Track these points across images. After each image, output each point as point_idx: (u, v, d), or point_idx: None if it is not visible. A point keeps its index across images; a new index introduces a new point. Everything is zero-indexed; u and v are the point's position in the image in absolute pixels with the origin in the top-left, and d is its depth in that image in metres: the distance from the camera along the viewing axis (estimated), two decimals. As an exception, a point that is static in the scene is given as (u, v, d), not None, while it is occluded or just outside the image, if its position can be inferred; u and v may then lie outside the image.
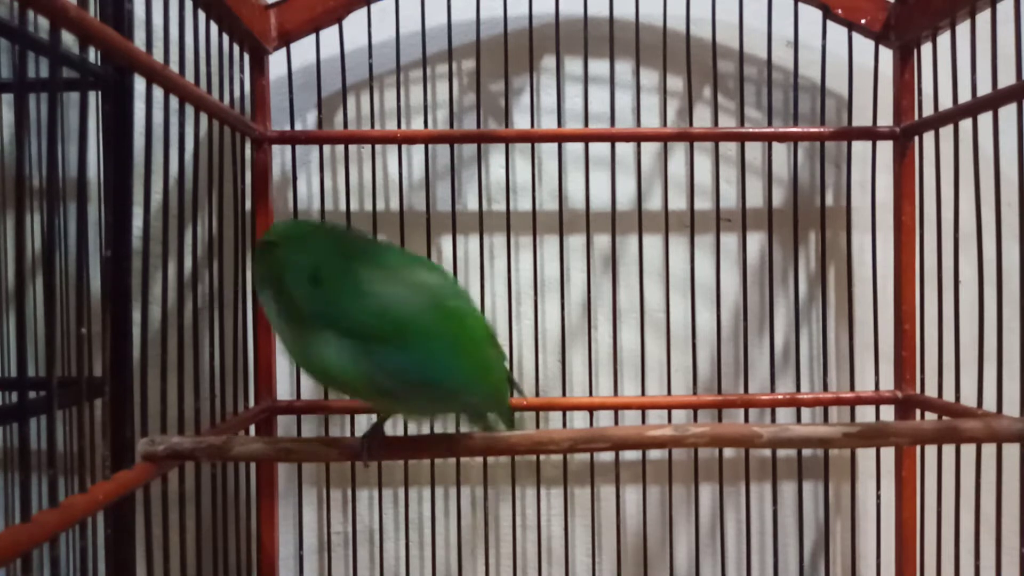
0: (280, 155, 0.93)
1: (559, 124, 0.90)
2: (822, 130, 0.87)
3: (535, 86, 0.93)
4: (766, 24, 0.88)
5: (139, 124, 0.63)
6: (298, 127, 0.92)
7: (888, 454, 0.89)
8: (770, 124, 0.91)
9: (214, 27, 0.74)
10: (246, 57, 0.83)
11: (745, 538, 0.92)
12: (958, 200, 0.77)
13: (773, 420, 0.90)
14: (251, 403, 0.84)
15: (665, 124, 0.93)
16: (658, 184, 0.94)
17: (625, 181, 0.93)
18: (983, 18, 0.73)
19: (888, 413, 0.89)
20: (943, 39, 0.80)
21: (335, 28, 0.87)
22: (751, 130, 0.87)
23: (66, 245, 0.78)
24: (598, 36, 0.90)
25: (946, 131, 0.80)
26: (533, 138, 0.87)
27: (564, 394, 0.92)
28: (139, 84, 0.60)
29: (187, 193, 0.72)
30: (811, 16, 0.87)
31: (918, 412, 0.84)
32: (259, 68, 0.84)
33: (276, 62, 0.87)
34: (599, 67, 0.92)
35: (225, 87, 0.77)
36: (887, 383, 0.88)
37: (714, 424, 0.59)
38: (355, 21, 0.87)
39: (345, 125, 0.90)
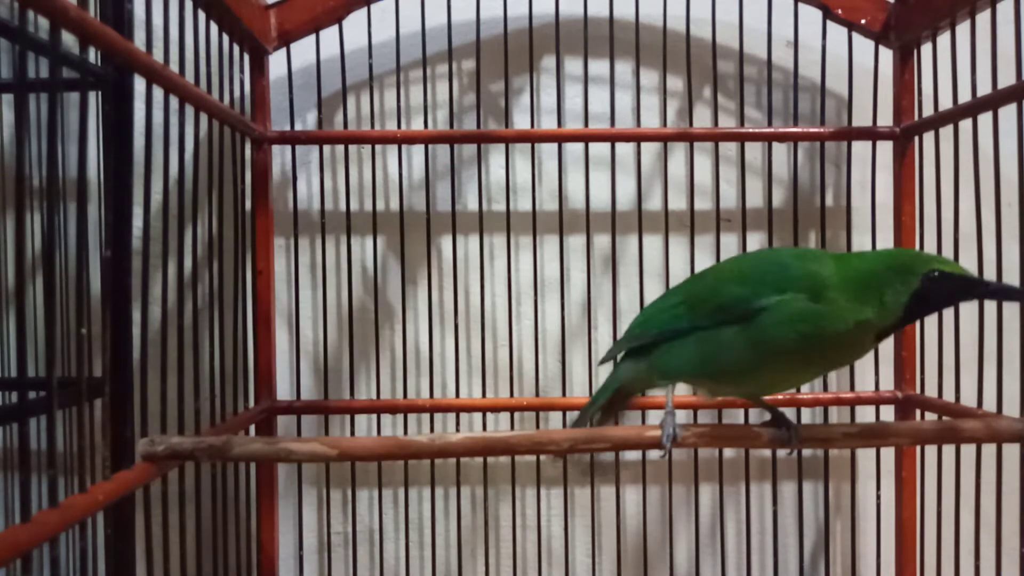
0: (280, 155, 0.93)
1: (559, 124, 0.90)
2: (822, 130, 0.87)
3: (535, 86, 0.93)
4: (766, 24, 0.88)
5: (139, 124, 0.62)
6: (298, 127, 0.92)
7: (888, 454, 0.89)
8: (770, 124, 0.91)
9: (214, 27, 0.74)
10: (246, 57, 0.83)
11: (745, 538, 0.92)
12: (958, 200, 0.77)
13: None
14: (251, 403, 0.84)
15: (665, 124, 0.93)
16: (658, 184, 0.94)
17: (625, 181, 0.93)
18: (983, 18, 0.73)
19: (888, 413, 0.89)
20: (943, 39, 0.80)
21: (335, 28, 0.87)
22: (751, 130, 0.87)
23: (66, 245, 0.78)
24: (598, 36, 0.90)
25: (946, 131, 0.80)
26: (533, 138, 0.87)
27: (564, 394, 0.92)
28: (139, 84, 0.60)
29: (187, 193, 0.72)
30: (811, 16, 0.87)
31: (918, 412, 0.84)
32: (259, 68, 0.84)
33: (276, 62, 0.87)
34: (599, 67, 0.92)
35: (225, 87, 0.77)
36: (887, 383, 0.88)
37: (714, 424, 0.59)
38: (355, 21, 0.87)
39: (345, 125, 0.90)
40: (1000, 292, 0.54)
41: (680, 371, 0.59)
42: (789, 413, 0.90)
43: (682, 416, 0.90)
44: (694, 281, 0.63)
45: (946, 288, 0.53)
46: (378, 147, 0.92)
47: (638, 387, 0.66)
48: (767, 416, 0.61)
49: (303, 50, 0.88)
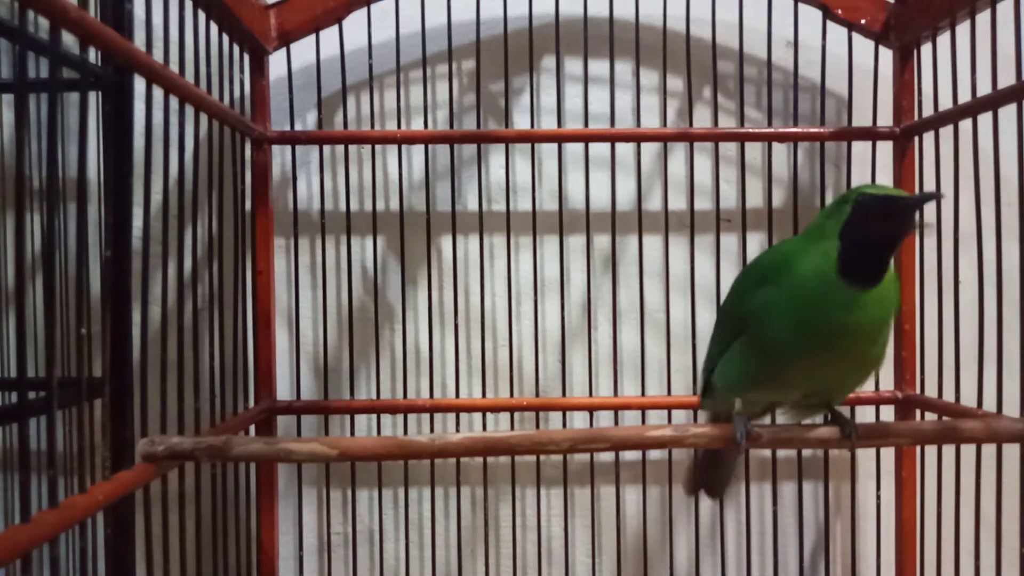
0: (280, 155, 0.93)
1: (559, 124, 0.90)
2: (822, 130, 0.87)
3: (535, 86, 0.93)
4: (766, 24, 0.88)
5: (139, 124, 0.62)
6: (298, 127, 0.92)
7: (888, 454, 0.89)
8: (770, 124, 0.91)
9: (214, 27, 0.74)
10: (246, 57, 0.83)
11: (745, 538, 0.92)
12: (958, 200, 0.77)
13: (772, 420, 0.90)
14: (251, 403, 0.84)
15: (665, 124, 0.93)
16: (658, 184, 0.94)
17: (625, 181, 0.93)
18: (983, 18, 0.73)
19: (888, 413, 0.89)
20: (943, 39, 0.80)
21: (335, 28, 0.87)
22: (751, 130, 0.87)
23: (66, 245, 0.78)
24: (598, 36, 0.90)
25: (946, 131, 0.80)
26: (533, 138, 0.87)
27: (564, 394, 0.92)
28: (139, 84, 0.60)
29: (187, 193, 0.72)
30: (811, 16, 0.87)
31: (918, 412, 0.84)
32: (259, 68, 0.84)
33: (276, 62, 0.87)
34: (599, 67, 0.92)
35: (225, 87, 0.77)
36: (887, 383, 0.88)
37: (714, 424, 0.59)
38: (355, 21, 0.87)
39: (345, 125, 0.90)
40: (917, 201, 0.53)
41: (735, 386, 0.60)
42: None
43: (682, 416, 0.90)
44: (718, 312, 0.65)
45: (874, 210, 0.53)
46: (378, 147, 0.92)
47: (724, 411, 0.66)
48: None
49: (303, 50, 0.88)
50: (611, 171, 0.89)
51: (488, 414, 0.90)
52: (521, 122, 0.94)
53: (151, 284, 0.64)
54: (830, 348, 0.54)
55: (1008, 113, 0.69)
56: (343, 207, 0.92)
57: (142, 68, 0.56)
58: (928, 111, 0.83)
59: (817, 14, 0.87)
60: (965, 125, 0.77)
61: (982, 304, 0.73)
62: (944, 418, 0.77)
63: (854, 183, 0.90)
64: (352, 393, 0.90)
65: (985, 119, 0.71)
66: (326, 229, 0.91)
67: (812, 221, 0.58)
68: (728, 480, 0.71)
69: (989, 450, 0.71)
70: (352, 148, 0.92)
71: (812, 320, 0.53)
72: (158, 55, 0.60)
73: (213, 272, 0.74)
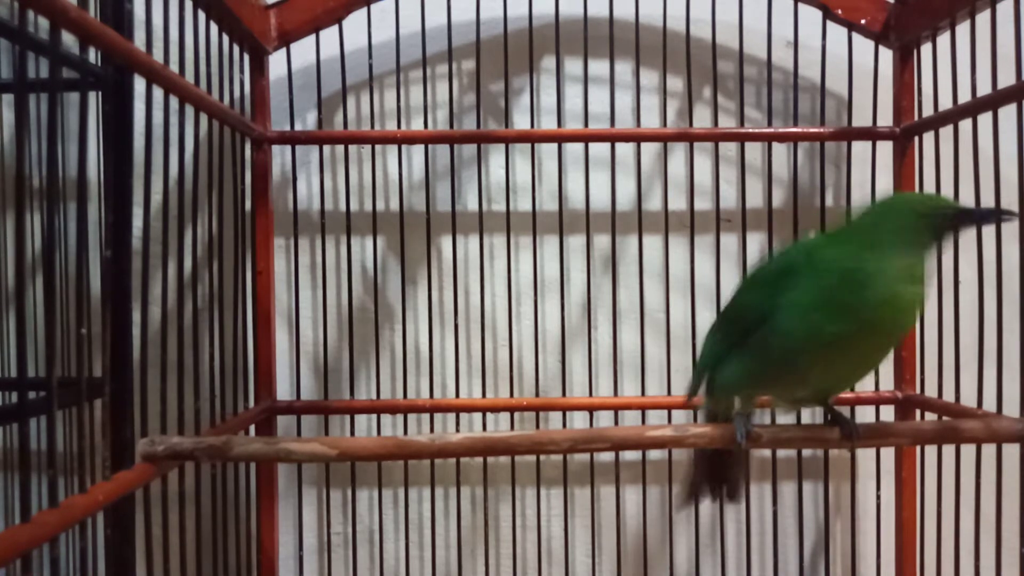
0: (280, 155, 0.93)
1: (559, 124, 0.90)
2: (822, 130, 0.87)
3: (535, 86, 0.93)
4: (766, 24, 0.88)
5: (139, 124, 0.62)
6: (298, 127, 0.92)
7: (888, 454, 0.89)
8: (770, 124, 0.91)
9: (214, 27, 0.74)
10: (246, 57, 0.83)
11: (745, 538, 0.92)
12: (958, 200, 0.77)
13: (773, 420, 0.90)
14: (251, 403, 0.84)
15: (665, 124, 0.93)
16: (658, 184, 0.94)
17: (625, 181, 0.93)
18: (983, 18, 0.73)
19: (888, 413, 0.89)
20: (943, 39, 0.80)
21: (335, 28, 0.87)
22: (751, 130, 0.87)
23: (66, 245, 0.78)
24: (598, 36, 0.90)
25: (946, 131, 0.80)
26: (533, 138, 0.87)
27: (564, 394, 0.92)
28: (139, 84, 0.60)
29: (187, 193, 0.72)
30: (811, 16, 0.87)
31: (918, 412, 0.84)
32: (259, 68, 0.84)
33: (276, 62, 0.87)
34: (599, 67, 0.92)
35: (225, 87, 0.77)
36: (887, 383, 0.88)
37: (714, 424, 0.59)
38: (355, 21, 0.87)
39: (345, 125, 0.90)
40: (983, 216, 0.56)
41: (742, 383, 0.60)
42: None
43: (682, 416, 0.90)
44: (724, 308, 0.65)
45: (950, 222, 0.56)
46: (378, 147, 0.92)
47: (722, 410, 0.66)
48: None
49: (303, 50, 0.88)
50: (611, 171, 0.89)
51: (488, 414, 0.90)
52: (521, 122, 0.94)
53: (151, 284, 0.64)
54: (863, 334, 0.54)
55: (1008, 113, 0.69)
56: (343, 207, 0.92)
57: (142, 68, 0.56)
58: (928, 111, 0.83)
59: (817, 14, 0.87)
60: (965, 125, 0.77)
61: (982, 304, 0.73)
62: (944, 418, 0.77)
63: (854, 183, 0.90)
64: (352, 393, 0.90)
65: (985, 119, 0.71)
66: (326, 229, 0.91)
67: (857, 221, 0.57)
68: (741, 480, 0.71)
69: (989, 450, 0.71)
70: (352, 148, 0.92)
71: (853, 303, 0.54)
72: (158, 55, 0.60)
73: (213, 272, 0.74)
